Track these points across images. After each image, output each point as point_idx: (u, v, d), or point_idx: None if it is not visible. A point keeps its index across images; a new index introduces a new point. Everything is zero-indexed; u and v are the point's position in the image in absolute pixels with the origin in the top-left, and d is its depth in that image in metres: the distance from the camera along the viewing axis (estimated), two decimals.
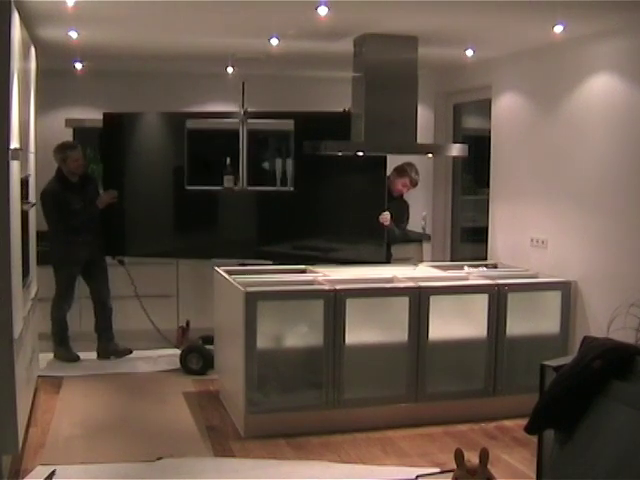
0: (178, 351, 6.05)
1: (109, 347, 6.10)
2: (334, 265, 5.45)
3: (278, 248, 5.93)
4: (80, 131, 6.91)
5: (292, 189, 5.98)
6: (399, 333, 4.57)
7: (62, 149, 5.95)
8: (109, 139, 6.29)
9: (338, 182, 5.78)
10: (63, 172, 5.93)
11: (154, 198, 6.23)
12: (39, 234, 5.36)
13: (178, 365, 5.81)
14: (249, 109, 6.00)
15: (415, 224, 6.31)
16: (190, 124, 6.07)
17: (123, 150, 6.29)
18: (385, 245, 5.72)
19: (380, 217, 5.55)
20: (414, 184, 5.88)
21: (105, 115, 6.19)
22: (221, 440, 4.37)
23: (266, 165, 6.98)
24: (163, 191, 6.19)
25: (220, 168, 6.16)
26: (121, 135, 6.30)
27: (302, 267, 5.24)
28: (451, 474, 3.36)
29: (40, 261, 5.39)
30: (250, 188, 6.09)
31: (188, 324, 6.13)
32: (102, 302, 6.11)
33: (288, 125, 5.99)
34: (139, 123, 6.31)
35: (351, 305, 4.46)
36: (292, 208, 5.90)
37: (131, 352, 6.11)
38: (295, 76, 6.71)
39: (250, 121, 6.00)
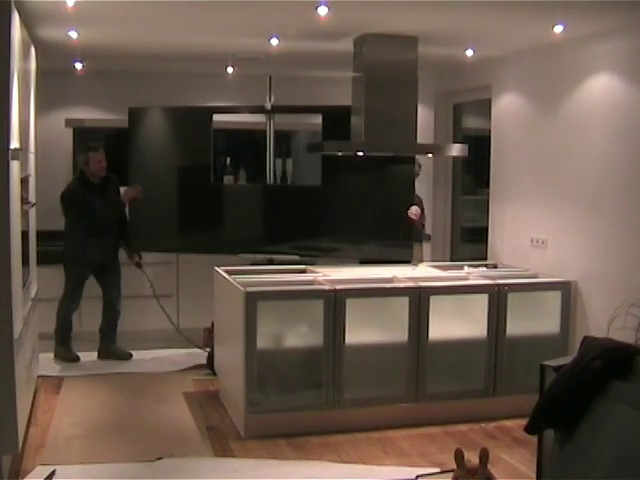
0: (178, 351, 6.07)
1: (110, 349, 6.08)
2: (361, 263, 5.44)
3: (304, 244, 5.93)
4: (80, 131, 6.92)
5: (319, 185, 5.98)
6: (399, 333, 4.57)
7: (84, 151, 5.94)
8: (134, 134, 6.26)
9: (365, 178, 5.78)
10: (85, 173, 5.92)
11: (179, 193, 6.21)
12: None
13: (178, 366, 5.82)
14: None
15: None
16: (216, 124, 6.07)
17: (147, 145, 6.29)
18: (412, 244, 5.67)
19: (409, 212, 5.48)
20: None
21: (130, 110, 6.18)
22: (221, 440, 4.37)
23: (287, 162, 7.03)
24: (189, 186, 6.18)
25: (246, 165, 6.20)
26: (146, 130, 6.30)
27: (302, 267, 5.25)
28: (451, 474, 3.36)
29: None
30: (277, 184, 6.14)
31: (213, 325, 6.12)
32: (112, 304, 6.08)
33: (315, 121, 5.98)
34: (164, 118, 6.30)
35: (351, 305, 4.46)
36: (319, 204, 5.90)
37: (131, 357, 6.08)
38: (295, 76, 6.71)
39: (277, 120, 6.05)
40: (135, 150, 6.33)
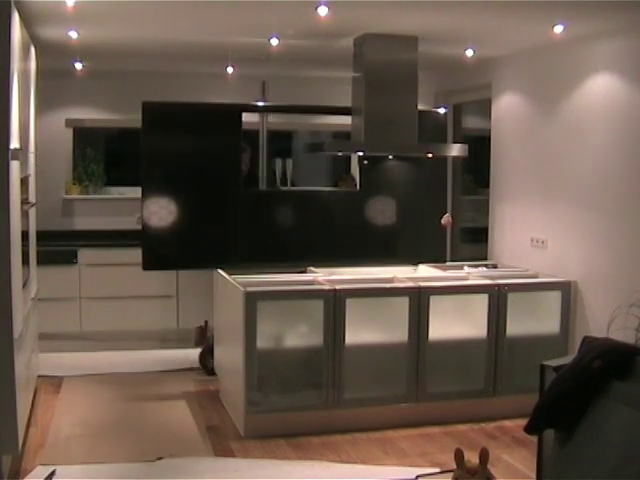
0: (178, 351, 6.06)
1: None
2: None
3: (346, 251, 5.82)
4: (80, 131, 6.92)
5: (358, 189, 5.96)
6: (399, 333, 4.57)
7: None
8: (151, 132, 5.45)
9: (402, 183, 5.80)
10: None
11: (207, 199, 5.53)
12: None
13: (178, 366, 5.82)
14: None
15: None
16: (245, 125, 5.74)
17: (167, 144, 5.54)
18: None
19: (443, 220, 5.59)
20: None
21: (145, 105, 5.35)
22: (221, 440, 4.37)
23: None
24: (216, 192, 5.55)
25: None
26: (164, 128, 5.53)
27: (302, 267, 5.24)
28: (451, 474, 3.37)
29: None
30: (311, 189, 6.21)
31: (207, 324, 6.10)
32: None
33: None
34: (182, 115, 5.58)
35: (351, 305, 4.46)
36: (360, 209, 5.81)
37: None
38: (296, 76, 6.70)
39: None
40: (150, 150, 5.48)
